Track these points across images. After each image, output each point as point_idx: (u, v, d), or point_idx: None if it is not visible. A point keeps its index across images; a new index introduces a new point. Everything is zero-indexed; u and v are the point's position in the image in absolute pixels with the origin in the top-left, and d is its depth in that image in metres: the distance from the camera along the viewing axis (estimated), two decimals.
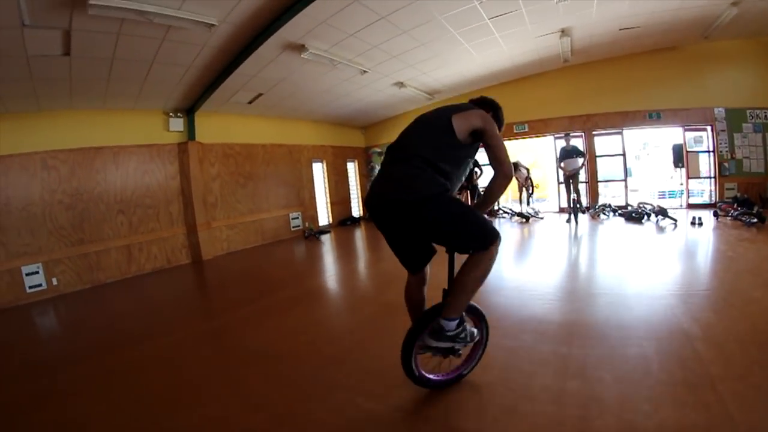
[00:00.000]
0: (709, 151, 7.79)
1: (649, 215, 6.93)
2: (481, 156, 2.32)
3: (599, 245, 5.80)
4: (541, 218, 8.15)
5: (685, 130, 7.89)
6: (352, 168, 11.34)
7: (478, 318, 2.11)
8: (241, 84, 6.60)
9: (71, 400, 2.41)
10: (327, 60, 6.19)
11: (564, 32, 6.56)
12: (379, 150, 11.45)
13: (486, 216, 1.93)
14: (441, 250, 2.01)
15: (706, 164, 7.92)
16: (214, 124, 7.55)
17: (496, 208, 9.10)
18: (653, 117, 7.82)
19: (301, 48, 5.64)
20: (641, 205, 7.26)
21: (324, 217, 10.28)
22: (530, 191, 8.93)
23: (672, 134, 8.20)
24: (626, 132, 8.18)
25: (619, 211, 7.56)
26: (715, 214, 6.63)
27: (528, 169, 8.83)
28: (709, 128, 7.66)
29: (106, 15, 3.89)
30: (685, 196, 8.11)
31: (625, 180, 8.24)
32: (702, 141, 7.90)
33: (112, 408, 2.27)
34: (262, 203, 8.52)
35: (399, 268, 2.09)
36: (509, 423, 1.80)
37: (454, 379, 2.10)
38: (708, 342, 2.37)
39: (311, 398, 2.17)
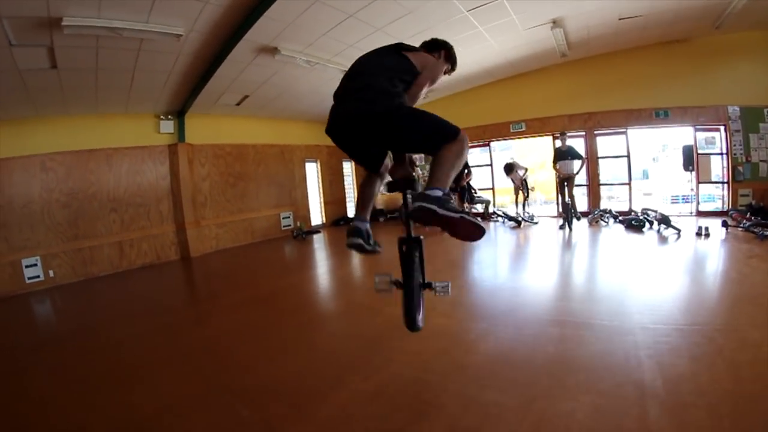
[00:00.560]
0: (721, 154, 7.96)
1: (651, 223, 7.10)
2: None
3: (585, 258, 5.98)
4: (536, 223, 8.62)
5: (696, 130, 8.09)
6: (348, 168, 12.21)
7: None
8: (225, 87, 7.56)
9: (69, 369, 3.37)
10: (303, 61, 7.00)
11: (555, 23, 6.90)
12: None
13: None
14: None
15: (718, 168, 8.11)
16: (204, 126, 8.62)
17: (490, 211, 9.66)
18: (660, 115, 8.08)
19: (274, 50, 6.44)
20: (644, 212, 7.49)
21: (317, 217, 11.23)
22: (526, 194, 9.40)
23: (684, 134, 8.42)
24: (632, 132, 8.45)
25: (620, 218, 7.89)
26: (725, 224, 6.54)
27: (526, 170, 9.31)
28: (722, 128, 7.83)
29: (80, 33, 4.83)
30: (694, 202, 8.31)
31: (629, 183, 8.54)
32: (714, 142, 8.08)
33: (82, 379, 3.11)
34: (252, 203, 9.55)
35: (368, 270, 2.70)
36: None
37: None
38: (667, 408, 2.06)
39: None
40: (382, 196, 12.10)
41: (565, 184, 7.84)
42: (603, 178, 8.87)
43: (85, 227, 7.01)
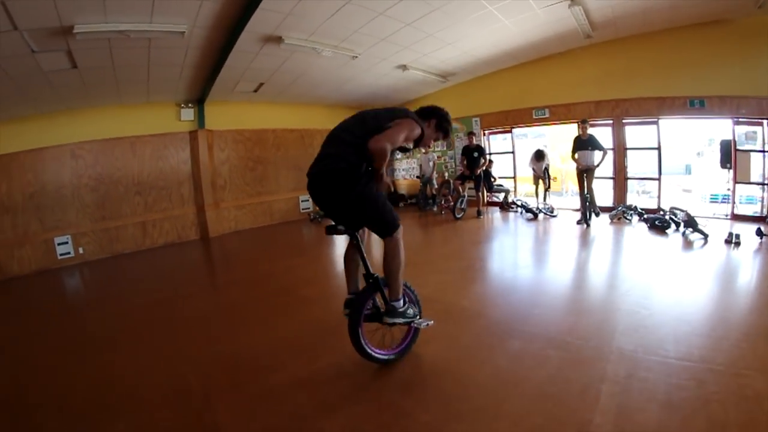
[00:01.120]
0: (763, 151, 7.22)
1: (678, 224, 6.50)
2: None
3: (588, 262, 5.48)
4: (555, 216, 8.38)
5: (735, 123, 7.35)
6: None
7: (410, 292, 2.83)
8: (238, 76, 7.91)
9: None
10: (309, 48, 7.14)
11: (573, 0, 6.47)
12: None
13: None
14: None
15: (759, 166, 7.36)
16: (224, 112, 9.12)
17: (510, 200, 9.46)
18: (695, 105, 7.38)
19: (278, 40, 6.61)
20: (671, 211, 7.02)
21: None
22: (547, 185, 9.07)
23: (722, 127, 7.67)
24: (665, 122, 7.80)
25: (645, 216, 7.44)
26: (759, 233, 5.71)
27: (547, 157, 8.97)
28: (765, 122, 7.08)
29: (91, 38, 5.34)
30: (730, 204, 7.60)
31: (659, 179, 7.97)
32: (755, 138, 7.30)
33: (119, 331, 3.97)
34: (271, 186, 10.06)
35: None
36: None
37: (403, 350, 2.79)
38: None
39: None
40: (404, 180, 12.22)
41: (585, 176, 7.51)
42: (631, 172, 8.34)
43: (112, 209, 7.86)
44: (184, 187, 8.75)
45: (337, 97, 10.39)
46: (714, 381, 2.25)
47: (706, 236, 5.85)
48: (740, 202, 7.53)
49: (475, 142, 8.85)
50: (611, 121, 8.06)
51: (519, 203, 9.13)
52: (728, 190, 7.64)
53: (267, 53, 7.17)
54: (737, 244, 5.45)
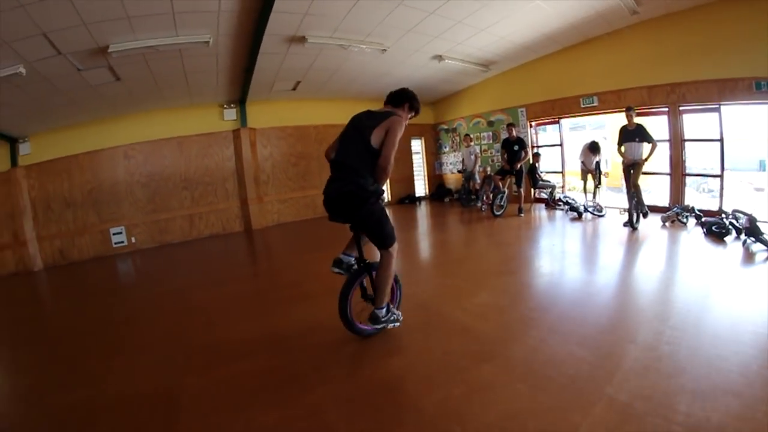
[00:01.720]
0: None
1: (739, 232, 5.28)
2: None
3: (624, 275, 4.35)
4: (602, 215, 7.45)
5: None
6: (418, 145, 12.05)
7: (396, 284, 3.20)
8: (273, 76, 8.17)
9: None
10: (336, 45, 7.12)
11: None
12: (446, 127, 11.79)
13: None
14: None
15: None
16: (265, 111, 9.48)
17: (556, 197, 8.58)
18: (762, 87, 5.95)
19: (302, 39, 6.68)
20: (733, 215, 5.83)
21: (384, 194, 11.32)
22: (598, 181, 8.03)
23: None
24: (727, 108, 6.40)
25: (703, 219, 6.27)
26: None
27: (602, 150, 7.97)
28: None
29: (126, 54, 5.85)
30: None
31: (721, 176, 6.62)
32: None
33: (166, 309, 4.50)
34: (314, 180, 10.25)
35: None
36: None
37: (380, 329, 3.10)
38: None
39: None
40: (452, 175, 11.73)
41: (632, 171, 6.54)
42: (690, 167, 7.05)
43: (161, 203, 8.63)
44: (229, 182, 9.30)
45: (379, 91, 10.09)
46: None
47: None
48: None
49: (515, 134, 8.14)
50: (666, 109, 6.86)
51: (566, 200, 8.28)
52: None
53: (295, 53, 7.27)
54: None
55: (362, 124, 2.81)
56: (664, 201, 7.20)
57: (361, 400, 2.31)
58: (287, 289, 4.72)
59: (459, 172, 10.42)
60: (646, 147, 6.20)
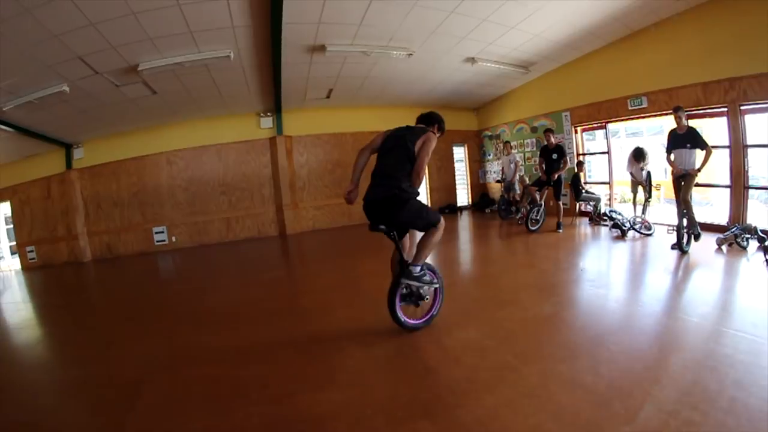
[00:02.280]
0: None
1: None
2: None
3: (649, 316, 3.23)
4: (649, 234, 6.32)
5: None
6: (460, 152, 11.41)
7: (435, 274, 3.33)
8: (302, 85, 8.28)
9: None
10: (358, 52, 7.00)
11: None
12: (489, 133, 11.02)
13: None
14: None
15: None
16: (301, 119, 9.63)
17: (600, 211, 7.48)
18: None
19: (322, 48, 6.66)
20: None
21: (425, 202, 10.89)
22: (648, 194, 6.82)
23: None
24: None
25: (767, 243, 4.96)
26: None
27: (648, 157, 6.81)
28: None
29: (155, 71, 6.28)
30: None
31: None
32: None
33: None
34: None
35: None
36: None
37: (428, 320, 3.31)
38: None
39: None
40: (495, 184, 10.90)
41: (682, 183, 5.44)
42: (754, 178, 5.69)
43: (200, 206, 9.16)
44: (265, 188, 9.59)
45: (414, 97, 9.91)
46: None
47: None
48: None
49: (554, 140, 7.26)
50: (725, 109, 5.63)
51: (612, 215, 7.19)
52: None
53: (319, 62, 7.29)
54: None
55: (406, 137, 3.14)
56: (723, 218, 5.94)
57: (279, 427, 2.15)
58: (301, 298, 4.61)
59: (498, 181, 9.67)
60: (699, 155, 5.13)
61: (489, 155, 11.19)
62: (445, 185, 11.26)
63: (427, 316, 3.34)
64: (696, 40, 5.88)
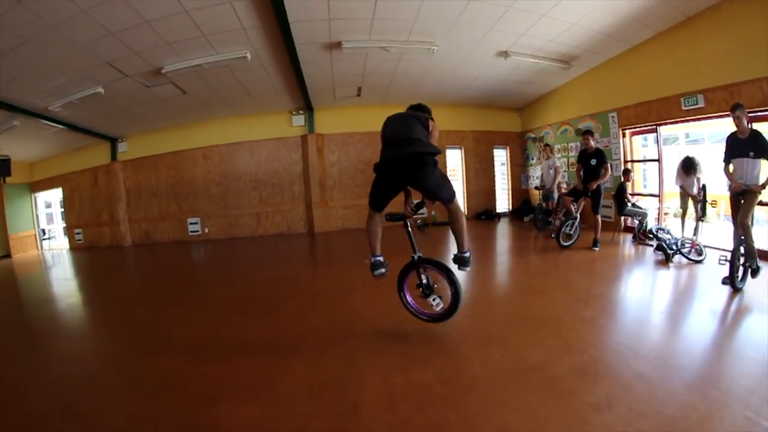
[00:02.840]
0: None
1: None
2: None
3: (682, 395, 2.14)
4: (698, 261, 5.15)
5: None
6: (502, 155, 10.48)
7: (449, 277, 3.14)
8: (328, 83, 8.11)
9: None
10: (377, 48, 6.66)
11: None
12: (533, 135, 9.94)
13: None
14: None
15: None
16: (333, 117, 9.52)
17: (646, 228, 6.32)
18: None
19: (338, 45, 6.44)
20: None
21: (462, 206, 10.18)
22: (702, 212, 5.56)
23: None
24: None
25: None
26: None
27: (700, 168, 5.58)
28: None
29: (178, 73, 6.51)
30: None
31: None
32: None
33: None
34: None
35: None
36: None
37: (433, 318, 3.25)
38: None
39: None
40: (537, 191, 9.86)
41: (741, 200, 4.33)
42: None
43: (232, 200, 9.49)
44: (295, 185, 9.65)
45: (451, 96, 9.34)
46: None
47: None
48: None
49: (593, 144, 6.19)
50: None
51: (658, 234, 6.05)
52: None
53: (339, 59, 7.07)
54: None
55: (415, 114, 3.15)
56: None
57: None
58: (297, 300, 4.46)
59: (537, 188, 8.70)
60: (765, 166, 4.06)
61: (532, 159, 10.16)
62: (483, 190, 10.44)
63: (435, 315, 3.24)
64: (760, 26, 4.68)
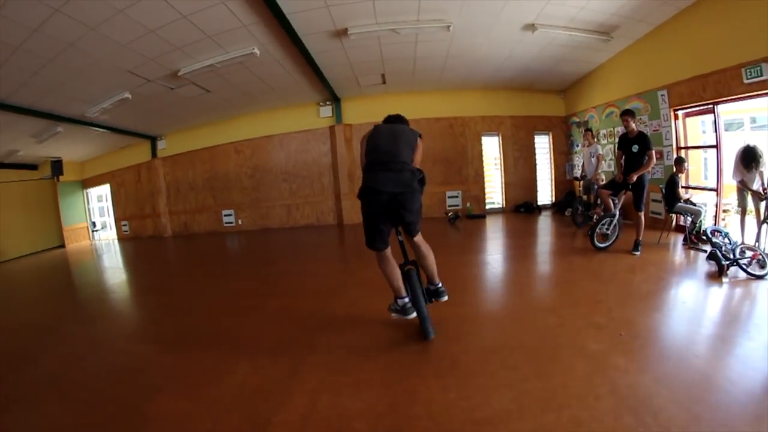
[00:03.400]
0: None
1: None
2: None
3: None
4: (761, 276, 3.93)
5: None
6: (545, 142, 9.37)
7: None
8: (348, 72, 7.79)
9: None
10: (387, 31, 6.19)
11: None
12: (577, 120, 8.71)
13: None
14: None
15: None
16: (361, 106, 9.20)
17: (700, 229, 5.19)
18: None
19: (345, 32, 6.10)
20: None
21: (498, 199, 9.56)
22: (767, 212, 4.39)
23: None
24: None
25: None
26: None
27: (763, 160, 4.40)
28: None
29: (195, 74, 6.65)
30: None
31: None
32: None
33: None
34: None
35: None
36: None
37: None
38: None
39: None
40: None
41: None
42: None
43: (264, 192, 9.67)
44: (324, 177, 9.54)
45: (483, 78, 8.54)
46: None
47: None
48: None
49: (634, 127, 5.12)
50: None
51: (709, 237, 4.96)
52: None
53: (351, 47, 6.76)
54: None
55: (406, 130, 3.05)
56: None
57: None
58: (274, 298, 4.41)
59: (576, 179, 7.68)
60: None
61: (576, 146, 8.97)
62: (523, 180, 9.45)
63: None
64: None
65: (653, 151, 4.95)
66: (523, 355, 2.59)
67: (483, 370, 2.46)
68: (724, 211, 5.72)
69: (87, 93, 7.00)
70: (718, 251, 4.19)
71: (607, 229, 5.28)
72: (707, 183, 6.17)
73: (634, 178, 4.87)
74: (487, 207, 9.56)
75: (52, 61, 5.60)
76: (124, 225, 10.75)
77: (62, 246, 11.01)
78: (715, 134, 5.41)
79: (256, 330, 3.48)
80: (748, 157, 4.63)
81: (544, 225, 7.89)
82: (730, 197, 5.67)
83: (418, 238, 2.88)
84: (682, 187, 5.69)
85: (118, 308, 4.92)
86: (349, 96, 9.12)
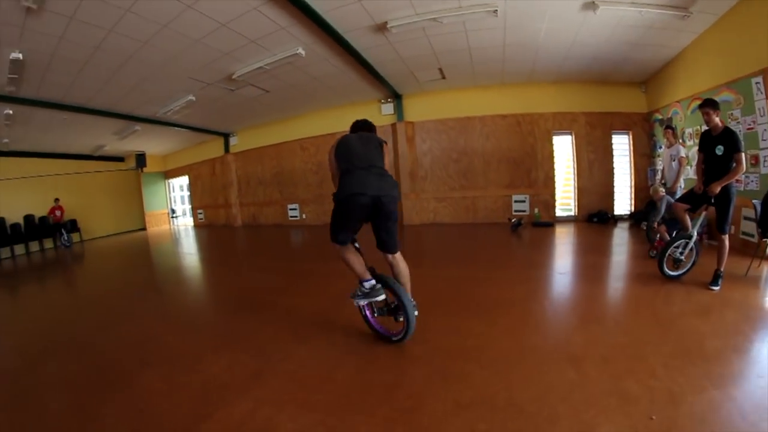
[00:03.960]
0: None
1: None
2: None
3: None
4: None
5: None
6: (624, 142, 8.15)
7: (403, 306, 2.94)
8: (403, 68, 7.73)
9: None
10: (429, 21, 5.98)
11: None
12: (660, 117, 7.43)
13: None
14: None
15: None
16: (422, 103, 9.05)
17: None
18: None
19: (385, 26, 6.04)
20: None
21: (570, 205, 8.68)
22: None
23: None
24: None
25: None
26: None
27: None
28: None
29: (248, 75, 7.19)
30: None
31: None
32: None
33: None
34: (477, 180, 9.02)
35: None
36: None
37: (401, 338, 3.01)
38: None
39: None
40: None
41: None
42: None
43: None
44: None
45: (550, 71, 7.84)
46: None
47: None
48: None
49: (718, 122, 3.97)
50: None
51: None
52: None
53: (397, 41, 6.67)
54: None
55: (373, 138, 3.13)
56: None
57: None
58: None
59: (653, 186, 6.73)
60: None
61: (660, 147, 7.67)
62: (598, 186, 8.37)
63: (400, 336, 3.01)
64: None
65: (743, 155, 3.81)
66: (500, 423, 2.00)
67: (439, 427, 2.01)
68: None
69: (155, 97, 8.12)
70: None
71: (681, 253, 4.17)
72: None
73: (717, 189, 3.80)
74: (557, 214, 8.76)
75: (117, 72, 6.66)
76: (200, 213, 12.06)
77: (143, 229, 12.72)
78: None
79: (255, 328, 3.58)
80: None
81: (614, 240, 6.80)
82: None
83: (399, 255, 2.86)
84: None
85: (159, 290, 5.58)
86: (410, 93, 9.07)
